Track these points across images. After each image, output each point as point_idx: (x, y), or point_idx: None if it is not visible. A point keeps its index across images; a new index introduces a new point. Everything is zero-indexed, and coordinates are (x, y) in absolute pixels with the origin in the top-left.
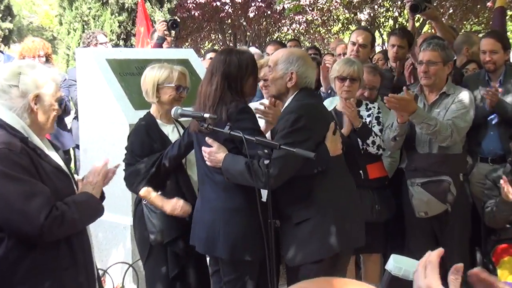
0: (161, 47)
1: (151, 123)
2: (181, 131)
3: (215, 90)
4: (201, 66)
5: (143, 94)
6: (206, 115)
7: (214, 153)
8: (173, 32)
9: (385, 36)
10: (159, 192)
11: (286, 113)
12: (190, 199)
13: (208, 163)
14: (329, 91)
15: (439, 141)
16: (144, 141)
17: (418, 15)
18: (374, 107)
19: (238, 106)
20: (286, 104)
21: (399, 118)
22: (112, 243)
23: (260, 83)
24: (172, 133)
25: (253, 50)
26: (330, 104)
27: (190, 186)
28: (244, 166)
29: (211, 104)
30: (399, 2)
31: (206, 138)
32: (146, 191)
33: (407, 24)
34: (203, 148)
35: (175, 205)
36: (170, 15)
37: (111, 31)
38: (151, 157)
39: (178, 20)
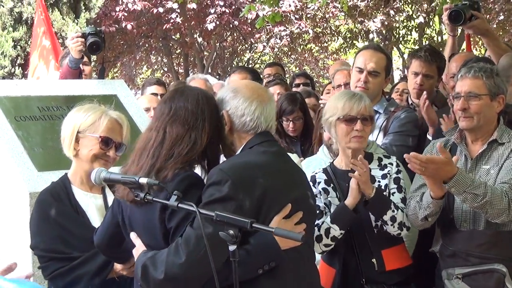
0: (79, 76)
1: (61, 188)
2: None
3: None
4: (135, 105)
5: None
6: (143, 180)
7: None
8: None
9: (407, 55)
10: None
11: (208, 178)
12: None
13: None
14: None
15: (491, 216)
16: (49, 222)
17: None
18: (392, 164)
19: (179, 173)
20: None
21: (433, 191)
22: None
23: None
24: (93, 205)
25: (211, 80)
26: (307, 167)
27: None
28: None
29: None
30: (426, 5)
31: (131, 234)
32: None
33: (439, 40)
34: (134, 250)
35: None
36: (89, 29)
37: (1, 53)
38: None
39: (99, 38)
